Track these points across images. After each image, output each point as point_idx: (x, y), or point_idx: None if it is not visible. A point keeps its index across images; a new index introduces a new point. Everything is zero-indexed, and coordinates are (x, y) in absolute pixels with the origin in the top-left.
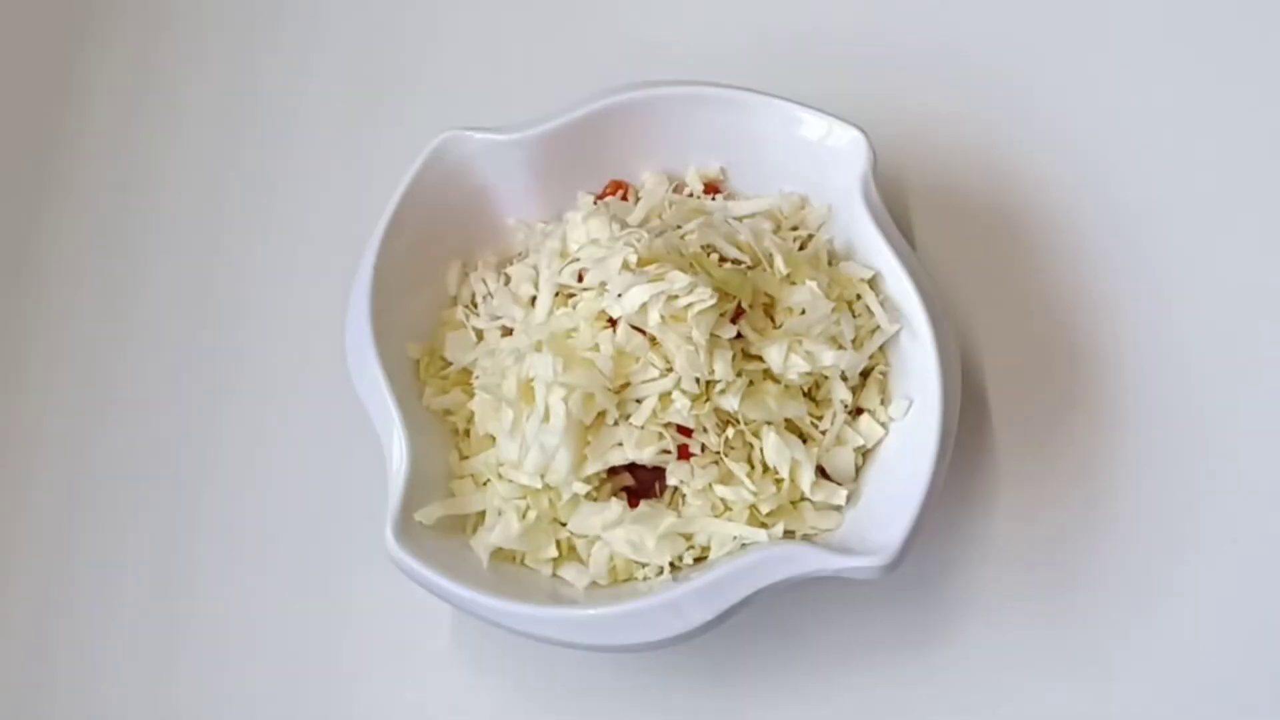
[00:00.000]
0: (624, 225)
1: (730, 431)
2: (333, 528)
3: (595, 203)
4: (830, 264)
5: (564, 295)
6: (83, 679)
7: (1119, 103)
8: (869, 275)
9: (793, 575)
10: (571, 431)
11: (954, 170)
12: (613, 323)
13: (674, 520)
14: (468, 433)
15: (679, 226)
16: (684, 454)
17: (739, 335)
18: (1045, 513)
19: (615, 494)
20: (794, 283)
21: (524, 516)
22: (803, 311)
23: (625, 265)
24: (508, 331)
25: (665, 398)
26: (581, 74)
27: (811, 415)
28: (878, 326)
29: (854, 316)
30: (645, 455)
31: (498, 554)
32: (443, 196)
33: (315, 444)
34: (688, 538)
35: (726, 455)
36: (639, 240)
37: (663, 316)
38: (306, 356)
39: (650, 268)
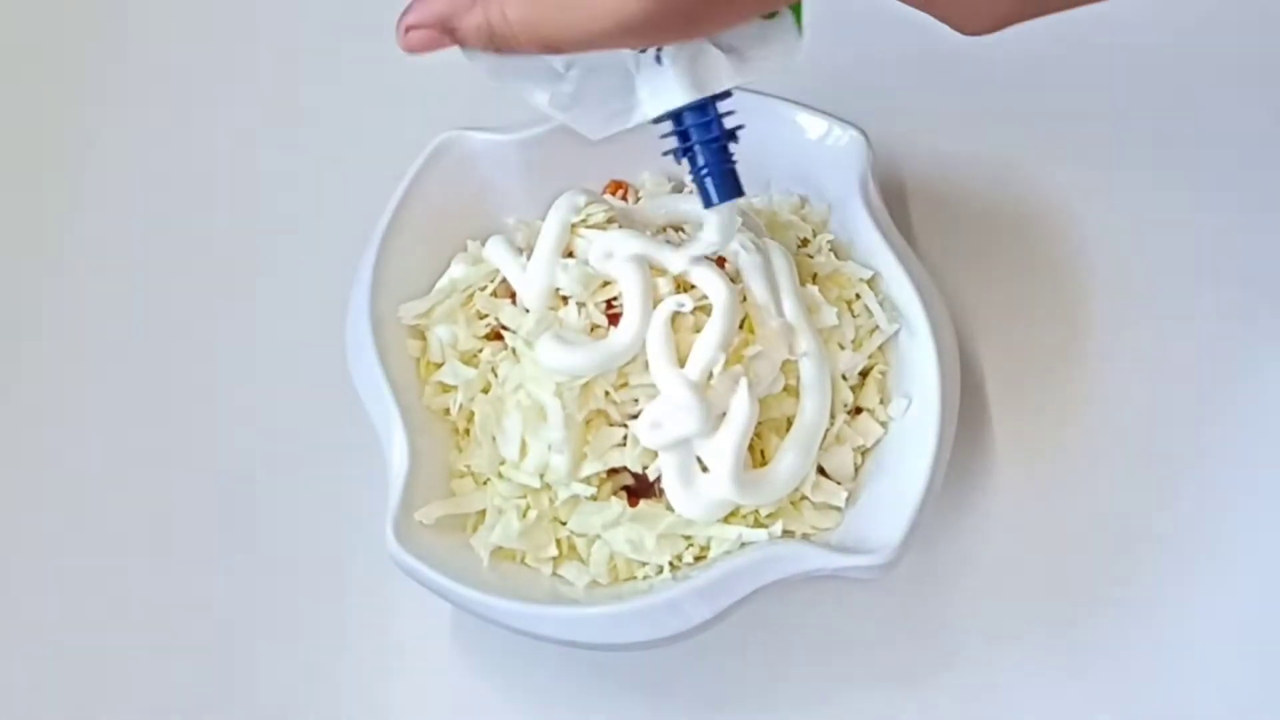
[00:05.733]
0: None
1: None
2: (333, 527)
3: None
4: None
5: (561, 294)
6: (81, 679)
7: (1119, 103)
8: (868, 275)
9: (792, 574)
10: (570, 428)
11: (954, 170)
12: (611, 320)
13: (674, 519)
14: (468, 431)
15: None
16: None
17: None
18: (1044, 512)
19: (615, 493)
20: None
21: (524, 515)
22: None
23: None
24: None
25: None
26: None
27: None
28: (877, 327)
29: (853, 317)
30: (648, 466)
31: (498, 553)
32: (443, 196)
33: (315, 444)
34: (687, 537)
35: None
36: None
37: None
38: (306, 356)
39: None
